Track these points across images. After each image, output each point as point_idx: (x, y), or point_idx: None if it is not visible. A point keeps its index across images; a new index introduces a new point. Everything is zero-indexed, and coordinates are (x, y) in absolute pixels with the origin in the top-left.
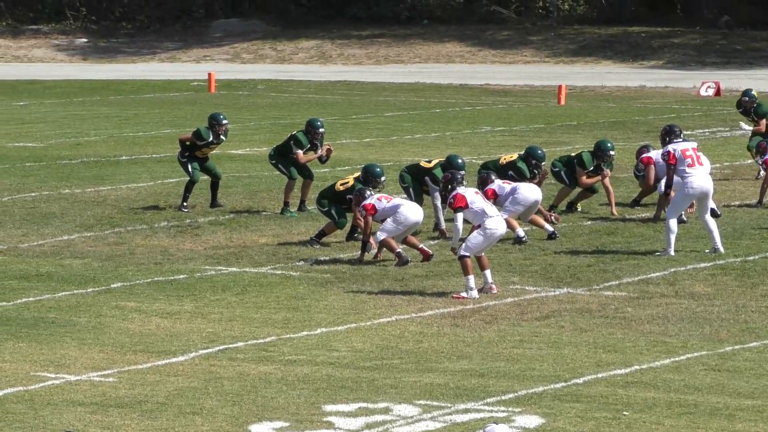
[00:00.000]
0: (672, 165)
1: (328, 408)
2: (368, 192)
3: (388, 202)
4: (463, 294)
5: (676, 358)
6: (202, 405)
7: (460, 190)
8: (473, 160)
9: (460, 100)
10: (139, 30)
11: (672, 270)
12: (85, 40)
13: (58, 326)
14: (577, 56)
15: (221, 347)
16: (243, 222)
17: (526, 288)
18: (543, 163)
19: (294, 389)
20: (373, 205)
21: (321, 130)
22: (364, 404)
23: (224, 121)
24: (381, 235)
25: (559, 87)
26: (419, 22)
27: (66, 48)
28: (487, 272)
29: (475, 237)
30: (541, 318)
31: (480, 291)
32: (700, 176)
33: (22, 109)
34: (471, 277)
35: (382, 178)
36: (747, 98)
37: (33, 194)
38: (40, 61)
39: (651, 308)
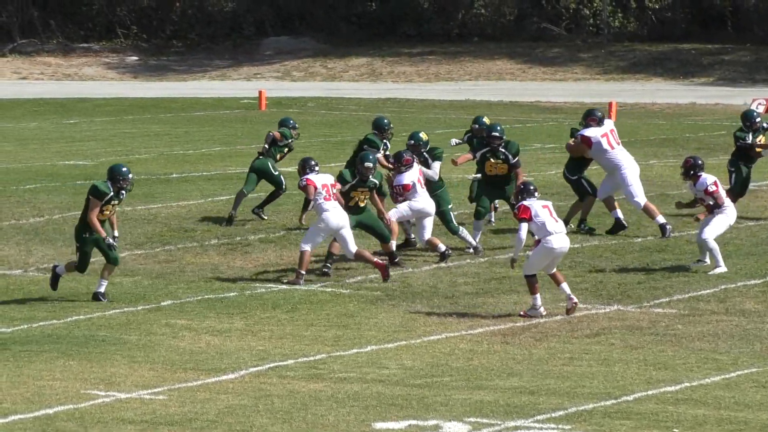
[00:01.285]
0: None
1: (379, 426)
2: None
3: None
4: (529, 313)
5: (727, 375)
6: (252, 423)
7: (527, 201)
8: (524, 178)
9: (510, 117)
10: (189, 48)
11: (722, 287)
12: (135, 58)
13: (109, 344)
14: (627, 73)
15: (271, 365)
16: (293, 239)
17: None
18: None
19: (344, 407)
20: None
21: (389, 127)
22: (414, 422)
23: (296, 126)
24: (394, 215)
25: (610, 104)
26: (469, 39)
27: (116, 66)
28: (564, 285)
29: (536, 253)
30: (591, 335)
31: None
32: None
33: (72, 127)
34: (537, 296)
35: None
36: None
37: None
38: (91, 79)
39: (701, 325)
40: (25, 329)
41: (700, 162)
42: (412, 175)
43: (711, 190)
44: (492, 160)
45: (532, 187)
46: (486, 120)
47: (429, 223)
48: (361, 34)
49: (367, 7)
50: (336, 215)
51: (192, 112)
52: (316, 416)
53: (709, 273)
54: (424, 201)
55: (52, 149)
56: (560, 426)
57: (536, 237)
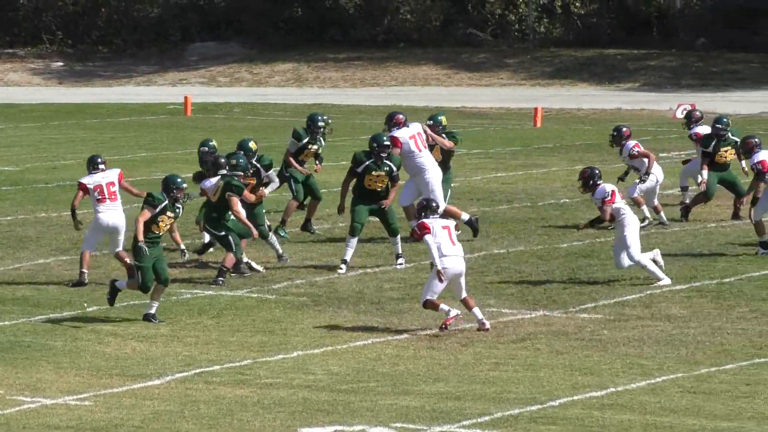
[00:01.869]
0: None
1: (305, 431)
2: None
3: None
4: (451, 321)
5: (652, 381)
6: (178, 429)
7: (428, 219)
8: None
9: None
10: (115, 53)
11: (648, 292)
12: (61, 63)
13: (34, 350)
14: (553, 79)
15: (197, 370)
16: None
17: (503, 310)
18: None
19: (270, 412)
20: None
21: (320, 123)
22: (340, 427)
23: (320, 123)
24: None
25: (536, 109)
26: (395, 44)
27: (42, 72)
28: (475, 310)
29: (432, 276)
30: (517, 340)
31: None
32: None
33: None
34: (442, 305)
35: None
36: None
37: (8, 218)
38: (16, 85)
39: (627, 330)
40: None
41: (597, 172)
42: None
43: (607, 199)
44: (374, 173)
45: (434, 205)
46: (443, 119)
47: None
48: (288, 39)
49: (293, 13)
50: (109, 216)
51: (118, 118)
52: (242, 422)
53: (658, 283)
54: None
55: None
56: (486, 431)
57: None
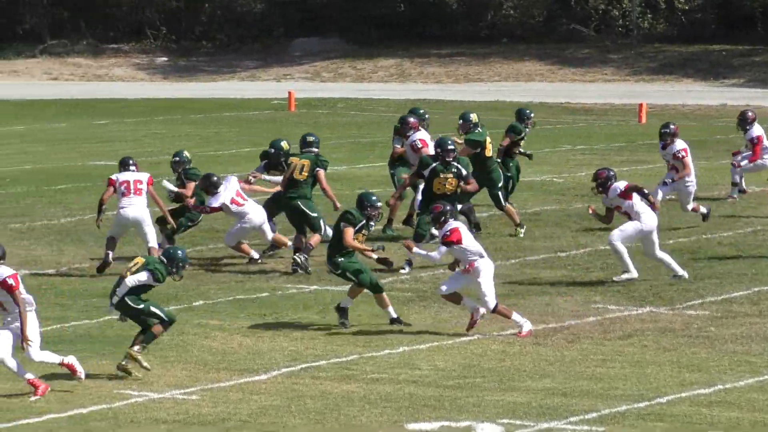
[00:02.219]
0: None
1: (411, 426)
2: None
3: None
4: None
5: (760, 378)
6: (284, 423)
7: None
8: (554, 179)
9: (540, 119)
10: (219, 49)
11: (755, 289)
12: (165, 59)
13: None
14: (657, 74)
15: (303, 365)
16: (324, 240)
17: (609, 307)
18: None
19: (376, 408)
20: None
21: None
22: (446, 423)
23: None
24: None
25: (640, 105)
26: (498, 40)
27: (146, 67)
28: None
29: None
30: (623, 337)
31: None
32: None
33: (102, 128)
34: (515, 315)
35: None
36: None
37: (113, 212)
38: (121, 80)
39: (734, 327)
40: (58, 329)
41: (612, 173)
42: None
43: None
44: (442, 175)
45: (450, 208)
46: (473, 116)
47: None
48: (391, 35)
49: (395, 9)
50: (131, 210)
51: (221, 113)
52: (348, 417)
53: (615, 278)
54: None
55: (82, 150)
56: (593, 428)
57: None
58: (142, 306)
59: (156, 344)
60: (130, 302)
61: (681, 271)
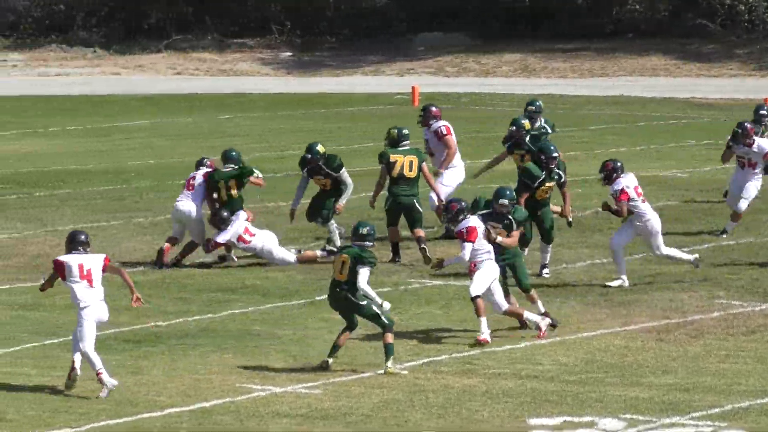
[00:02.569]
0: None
1: (533, 421)
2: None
3: None
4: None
5: None
6: (406, 417)
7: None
8: (678, 174)
9: (664, 114)
10: (343, 44)
11: None
12: (289, 53)
13: (263, 339)
14: None
15: (425, 360)
16: (448, 236)
17: (732, 302)
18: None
19: (498, 402)
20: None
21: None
22: (568, 418)
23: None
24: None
25: (765, 100)
26: (623, 35)
27: (271, 62)
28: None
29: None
30: (747, 332)
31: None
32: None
33: (226, 122)
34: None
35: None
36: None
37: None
38: (245, 75)
39: None
40: (180, 323)
41: (619, 165)
42: None
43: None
44: (547, 184)
45: (464, 204)
46: (525, 123)
47: None
48: (514, 29)
49: (520, 3)
50: (182, 204)
51: (345, 108)
52: (470, 411)
53: (607, 283)
54: None
55: (206, 144)
56: (716, 423)
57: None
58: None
59: (278, 339)
60: (355, 299)
61: (692, 257)
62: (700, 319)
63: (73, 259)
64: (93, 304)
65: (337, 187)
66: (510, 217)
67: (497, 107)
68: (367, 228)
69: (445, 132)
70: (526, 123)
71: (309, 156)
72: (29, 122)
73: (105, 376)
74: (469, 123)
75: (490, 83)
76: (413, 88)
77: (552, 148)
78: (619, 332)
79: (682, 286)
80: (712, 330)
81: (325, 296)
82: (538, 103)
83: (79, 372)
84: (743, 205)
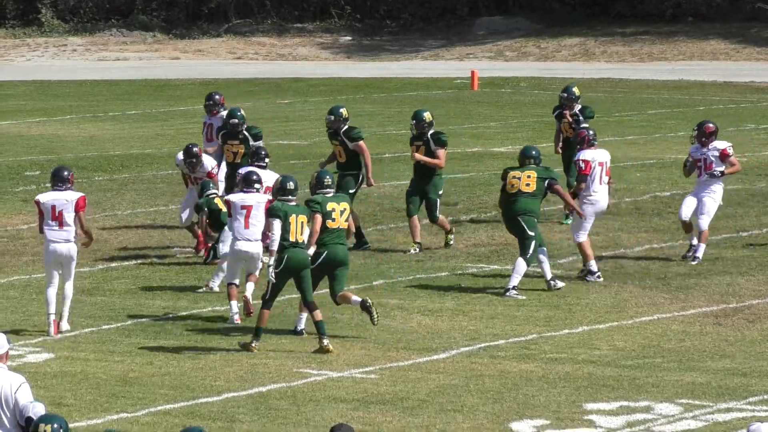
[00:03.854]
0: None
1: (589, 406)
2: None
3: None
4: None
5: None
6: (463, 402)
7: None
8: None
9: (724, 98)
10: (403, 28)
11: None
12: (349, 38)
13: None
14: None
15: (482, 345)
16: None
17: None
18: None
19: (555, 387)
20: None
21: None
22: (625, 403)
23: None
24: None
25: None
26: (683, 19)
27: (330, 46)
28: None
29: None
30: None
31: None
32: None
33: (286, 107)
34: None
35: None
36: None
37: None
38: (305, 59)
39: None
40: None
41: (591, 133)
42: None
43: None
44: None
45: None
46: (576, 90)
47: None
48: (574, 14)
49: None
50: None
51: (405, 93)
52: (527, 396)
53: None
54: None
55: (266, 129)
56: None
57: None
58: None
59: (335, 323)
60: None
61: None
62: (758, 303)
63: (48, 201)
64: (58, 245)
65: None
66: None
67: (557, 92)
68: (292, 182)
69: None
70: None
71: (235, 121)
72: (89, 107)
73: (51, 328)
74: (529, 107)
75: (550, 68)
76: (473, 72)
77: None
78: (676, 317)
79: (740, 271)
80: None
81: (382, 281)
82: (572, 89)
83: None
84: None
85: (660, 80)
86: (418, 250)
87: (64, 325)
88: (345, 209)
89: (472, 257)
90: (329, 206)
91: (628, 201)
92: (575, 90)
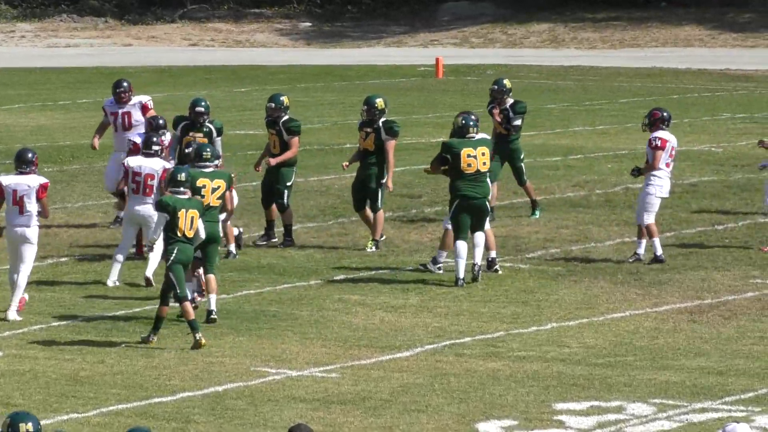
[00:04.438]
0: None
1: (559, 406)
2: None
3: None
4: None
5: None
6: (427, 402)
7: None
8: (712, 149)
9: (698, 86)
10: (365, 14)
11: None
12: (309, 24)
13: (279, 320)
14: None
15: (447, 342)
16: None
17: (767, 282)
18: None
19: (523, 386)
20: None
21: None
22: (596, 402)
23: None
24: None
25: None
26: (656, 4)
27: (289, 32)
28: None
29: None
30: None
31: None
32: None
33: (243, 96)
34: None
35: None
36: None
37: (254, 183)
38: (263, 46)
39: None
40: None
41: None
42: None
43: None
44: None
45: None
46: (507, 82)
47: None
48: None
49: None
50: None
51: (367, 81)
52: (494, 396)
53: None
54: None
55: (223, 118)
56: (750, 408)
57: None
58: None
59: (294, 320)
60: None
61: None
62: (734, 299)
63: (11, 184)
64: (17, 229)
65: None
66: None
67: (525, 79)
68: (183, 174)
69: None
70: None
71: (200, 109)
72: (38, 95)
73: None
74: None
75: (517, 54)
76: (437, 59)
77: None
78: (649, 313)
79: (715, 266)
80: (746, 311)
81: (343, 276)
82: (503, 82)
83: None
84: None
85: (632, 67)
86: (374, 248)
87: (11, 315)
88: (219, 186)
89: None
90: (200, 182)
91: (599, 193)
92: (506, 82)
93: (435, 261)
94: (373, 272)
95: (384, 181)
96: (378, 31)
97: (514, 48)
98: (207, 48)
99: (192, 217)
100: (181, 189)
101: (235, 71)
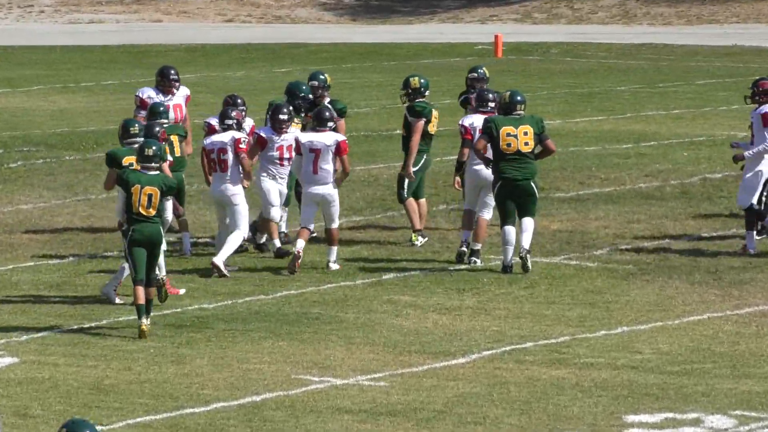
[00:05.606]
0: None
1: (630, 418)
2: None
3: None
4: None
5: None
6: (485, 413)
7: None
8: None
9: None
10: None
11: None
12: None
13: (323, 323)
14: None
15: (507, 348)
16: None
17: None
18: None
19: (590, 396)
20: None
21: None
22: (671, 414)
23: None
24: None
25: None
26: None
27: (333, 7)
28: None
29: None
30: None
31: None
32: None
33: (283, 77)
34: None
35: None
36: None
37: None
38: (304, 22)
39: None
40: (230, 305)
41: (491, 97)
42: None
43: None
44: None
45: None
46: (485, 71)
47: None
48: None
49: None
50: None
51: (419, 60)
52: (558, 407)
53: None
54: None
55: (261, 101)
56: None
57: None
58: None
59: (339, 323)
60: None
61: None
62: None
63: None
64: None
65: None
66: None
67: (592, 59)
68: (153, 148)
69: None
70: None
71: (315, 83)
72: (59, 76)
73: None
74: (560, 77)
75: (584, 31)
76: (496, 37)
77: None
78: (730, 316)
79: None
80: None
81: (393, 275)
82: (481, 70)
83: None
84: None
85: (710, 46)
86: (421, 239)
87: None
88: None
89: (496, 248)
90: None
91: (674, 184)
92: (484, 71)
93: (475, 254)
94: (426, 271)
95: (416, 168)
96: (431, 5)
97: (581, 24)
98: (244, 24)
99: (150, 194)
100: (152, 164)
101: (274, 50)
